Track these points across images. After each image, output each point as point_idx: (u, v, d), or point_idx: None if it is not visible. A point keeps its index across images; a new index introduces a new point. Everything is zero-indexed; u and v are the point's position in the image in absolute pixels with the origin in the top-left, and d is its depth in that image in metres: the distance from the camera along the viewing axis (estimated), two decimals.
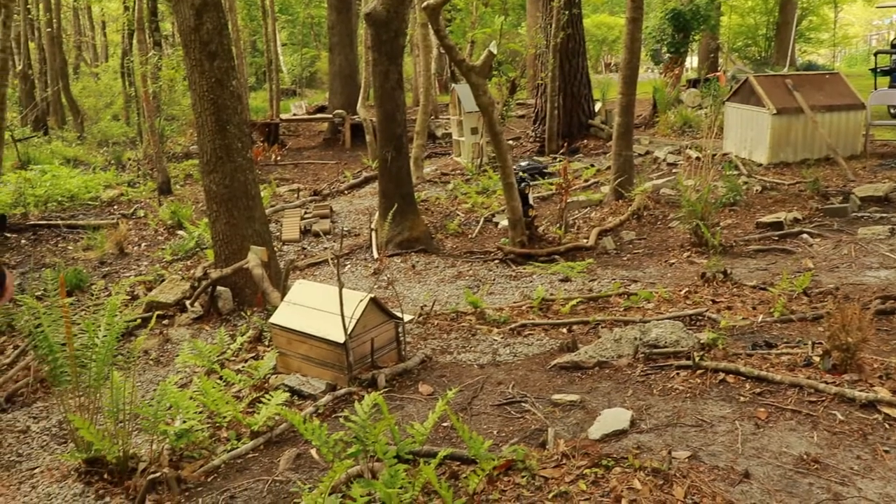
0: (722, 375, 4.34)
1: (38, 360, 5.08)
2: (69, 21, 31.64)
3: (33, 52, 22.77)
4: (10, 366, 5.64)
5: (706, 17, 18.42)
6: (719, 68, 21.84)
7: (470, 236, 9.62)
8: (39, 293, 7.32)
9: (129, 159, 16.95)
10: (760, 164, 11.28)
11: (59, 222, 11.09)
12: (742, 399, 4.04)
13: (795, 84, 11.42)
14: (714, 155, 9.31)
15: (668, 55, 18.98)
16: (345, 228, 10.39)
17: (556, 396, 4.27)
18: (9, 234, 10.36)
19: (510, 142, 15.53)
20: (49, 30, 21.13)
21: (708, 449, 3.50)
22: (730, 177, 9.88)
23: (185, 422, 3.93)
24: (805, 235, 8.06)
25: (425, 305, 6.52)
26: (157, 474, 3.57)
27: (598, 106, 16.70)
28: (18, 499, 3.65)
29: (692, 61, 25.45)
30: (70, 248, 9.98)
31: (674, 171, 11.81)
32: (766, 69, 17.53)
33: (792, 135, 11.18)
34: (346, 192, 13.21)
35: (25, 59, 21.44)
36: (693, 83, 18.01)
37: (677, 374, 4.47)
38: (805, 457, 3.35)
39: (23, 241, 10.18)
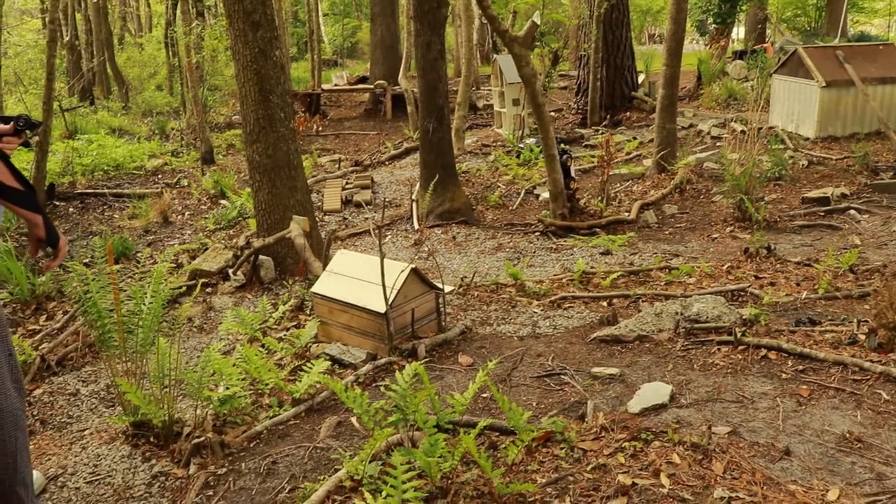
0: (764, 352, 4.29)
1: (86, 326, 5.21)
2: None
3: (80, 23, 23.04)
4: (59, 330, 5.78)
5: None
6: (767, 39, 21.36)
7: (511, 208, 9.60)
8: (87, 260, 7.47)
9: (173, 129, 17.14)
10: (807, 139, 11.07)
11: (106, 191, 11.28)
12: (784, 376, 4.00)
13: (847, 56, 11.15)
14: (760, 128, 9.14)
15: (713, 26, 18.62)
16: (385, 199, 10.43)
17: (595, 369, 4.26)
18: (57, 203, 10.57)
19: (552, 113, 15.40)
20: (95, 1, 21.32)
21: (748, 425, 3.47)
22: (775, 151, 9.71)
23: (228, 388, 4.00)
24: (852, 211, 7.91)
25: (465, 277, 6.54)
26: (202, 439, 3.64)
27: (641, 78, 16.47)
28: (70, 458, 3.76)
29: (738, 32, 24.95)
30: (116, 216, 10.15)
31: (718, 144, 11.65)
32: (816, 40, 17.10)
33: (841, 108, 10.94)
34: (386, 162, 13.24)
35: (72, 31, 21.70)
36: (739, 55, 17.65)
37: (718, 349, 4.44)
38: (848, 435, 3.31)
39: (70, 210, 10.38)
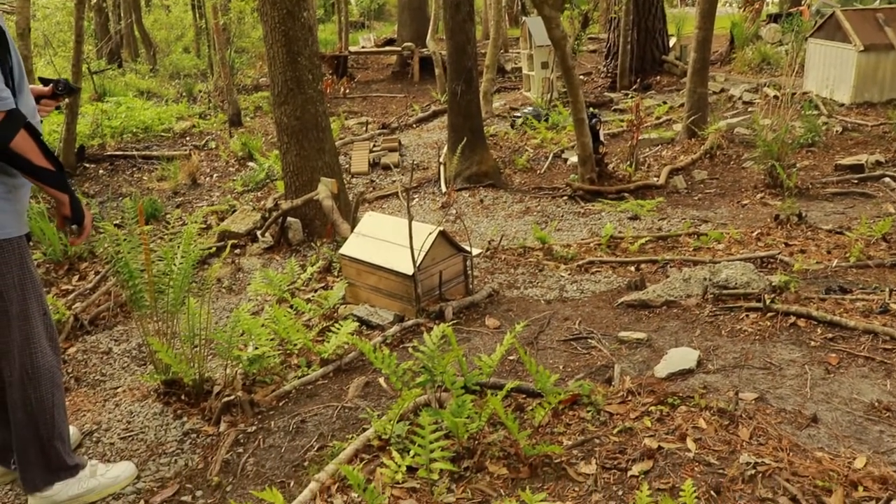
0: (793, 319, 4.27)
1: (118, 286, 5.29)
2: None
3: None
4: (91, 290, 5.86)
5: None
6: (803, 2, 20.92)
7: (538, 172, 9.55)
8: (117, 221, 7.55)
9: (200, 91, 17.18)
10: (842, 104, 10.87)
11: (135, 153, 11.36)
12: (813, 344, 3.98)
13: (887, 18, 10.87)
14: (794, 94, 8.99)
15: None
16: (413, 162, 10.41)
17: (622, 334, 4.26)
18: (87, 165, 10.67)
19: (581, 77, 15.24)
20: None
21: (775, 392, 3.46)
22: (809, 116, 9.55)
23: (257, 348, 4.05)
24: (887, 179, 7.78)
25: (493, 240, 6.53)
26: (232, 397, 3.69)
27: (672, 41, 16.22)
28: (104, 415, 3.83)
29: None
30: (145, 178, 10.23)
31: (749, 109, 11.48)
32: (856, 2, 16.72)
33: (879, 73, 10.70)
34: (414, 125, 13.20)
35: None
36: (774, 18, 17.31)
37: (746, 315, 4.42)
38: (877, 404, 3.29)
39: (100, 172, 10.47)
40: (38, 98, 3.12)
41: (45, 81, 3.14)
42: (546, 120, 11.76)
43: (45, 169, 2.71)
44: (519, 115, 12.10)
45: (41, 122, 3.15)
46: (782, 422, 3.16)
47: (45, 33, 18.28)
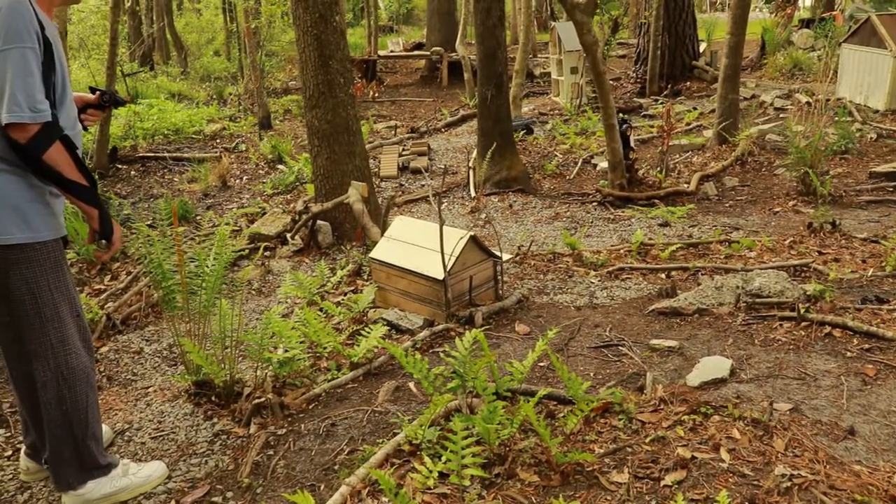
0: (828, 329, 4.21)
1: (151, 286, 5.33)
2: None
3: None
4: (123, 290, 5.92)
5: None
6: (836, 7, 20.70)
7: (568, 177, 9.52)
8: (149, 222, 7.62)
9: (230, 94, 17.31)
10: (877, 111, 10.72)
11: (166, 155, 11.46)
12: (849, 354, 3.92)
13: None
14: (827, 100, 8.88)
15: None
16: (442, 166, 10.42)
17: (653, 341, 4.23)
18: (120, 166, 10.77)
19: (610, 82, 15.18)
20: None
21: (810, 403, 3.41)
22: (842, 123, 9.43)
23: (287, 351, 4.06)
24: None
25: (522, 245, 6.51)
26: (262, 399, 3.70)
27: (702, 46, 16.10)
28: (135, 414, 3.86)
29: (805, 0, 24.21)
30: (176, 179, 10.32)
31: (781, 116, 11.36)
32: (891, 7, 16.50)
33: None
34: (442, 129, 13.21)
35: None
36: (806, 23, 17.14)
37: (780, 325, 4.37)
38: None
39: (132, 173, 10.57)
40: (86, 107, 3.16)
41: (93, 90, 3.18)
42: (531, 133, 11.73)
43: (75, 182, 2.72)
44: (521, 122, 12.03)
45: (86, 129, 3.20)
46: (818, 433, 3.12)
47: (80, 36, 18.51)
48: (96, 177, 9.57)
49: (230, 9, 20.59)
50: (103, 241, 2.89)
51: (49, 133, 2.61)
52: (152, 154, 11.49)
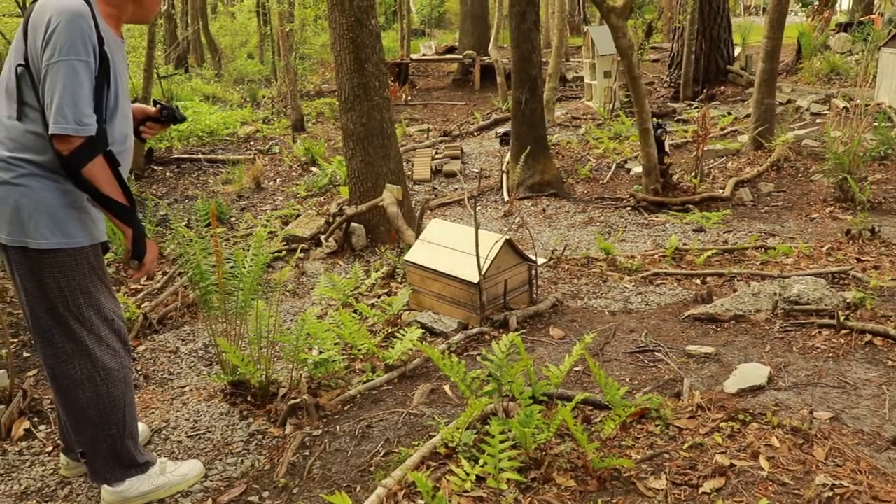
0: (868, 337, 4.15)
1: (189, 286, 5.38)
2: None
3: None
4: (160, 290, 5.98)
5: None
6: (875, 10, 20.41)
7: (601, 182, 9.47)
8: (184, 223, 7.70)
9: (264, 97, 17.44)
10: None
11: (200, 156, 11.58)
12: (890, 363, 3.86)
13: None
14: (866, 105, 8.76)
15: None
16: (475, 170, 10.41)
17: (690, 347, 4.20)
18: (155, 167, 10.90)
19: (644, 87, 15.10)
20: None
21: (851, 412, 3.37)
22: (882, 128, 9.29)
23: (322, 352, 4.08)
24: None
25: (556, 249, 6.49)
26: (298, 400, 3.72)
27: (737, 51, 15.96)
28: (172, 413, 3.90)
29: (842, 3, 23.94)
30: (210, 181, 10.41)
31: (818, 121, 11.23)
32: None
33: None
34: (475, 133, 13.21)
35: (170, 0, 22.24)
36: (844, 27, 16.92)
37: (819, 332, 4.31)
38: None
39: (167, 174, 10.69)
40: (145, 119, 3.21)
41: (155, 103, 3.23)
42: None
43: (112, 199, 2.74)
44: (505, 129, 11.99)
45: (144, 141, 3.25)
46: (860, 443, 3.07)
47: None
48: (132, 177, 9.74)
49: (264, 12, 20.76)
50: (135, 262, 2.92)
51: (92, 147, 2.65)
52: (187, 156, 11.62)
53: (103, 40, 2.68)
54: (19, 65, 2.66)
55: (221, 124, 13.65)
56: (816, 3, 18.01)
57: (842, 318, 4.29)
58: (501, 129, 12.23)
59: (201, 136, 13.08)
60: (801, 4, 21.43)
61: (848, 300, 4.63)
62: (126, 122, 2.91)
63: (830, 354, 4.02)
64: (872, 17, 17.42)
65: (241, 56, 24.40)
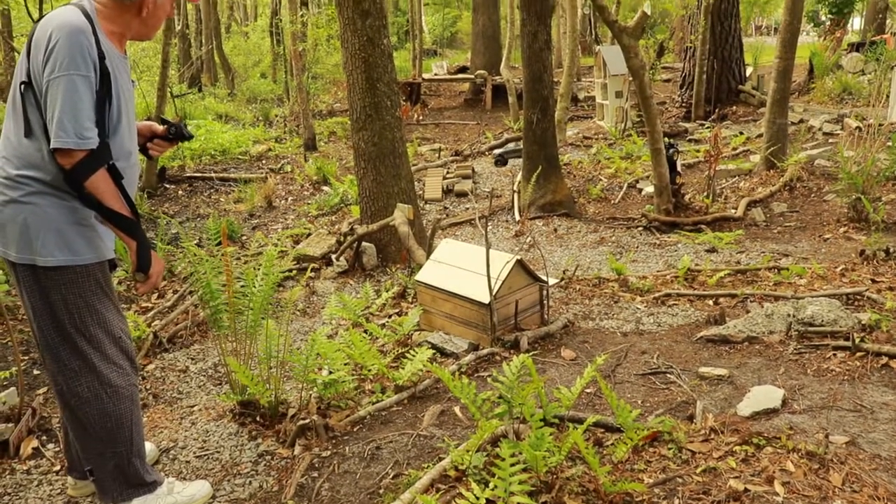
0: (885, 360, 4.09)
1: (199, 305, 5.37)
2: None
3: (190, 12, 23.79)
4: (170, 309, 5.98)
5: None
6: (887, 30, 20.38)
7: (613, 202, 9.45)
8: (196, 241, 7.71)
9: (276, 116, 17.53)
10: None
11: (213, 175, 11.62)
12: None
13: None
14: (879, 125, 8.70)
15: (829, 17, 17.87)
16: (486, 189, 10.41)
17: (702, 369, 4.15)
18: (168, 185, 10.95)
19: (656, 106, 15.09)
20: None
21: (868, 436, 3.31)
22: (895, 148, 9.24)
23: (331, 372, 4.06)
24: None
25: (567, 270, 6.46)
26: (307, 421, 3.69)
27: (749, 71, 15.95)
28: (180, 433, 3.88)
29: (854, 23, 23.92)
30: (222, 199, 10.44)
31: (830, 140, 11.18)
32: None
33: None
34: (486, 152, 13.22)
35: (184, 20, 22.46)
36: (856, 47, 16.89)
37: (834, 354, 4.26)
38: None
39: (180, 193, 10.73)
40: (153, 137, 3.22)
41: (163, 121, 3.24)
42: (504, 164, 11.67)
43: (115, 212, 2.75)
44: (501, 151, 12.00)
45: (151, 158, 3.26)
46: (877, 468, 3.02)
47: (132, 58, 18.93)
48: (145, 195, 9.78)
49: (277, 32, 20.92)
50: (141, 274, 2.91)
51: (94, 160, 2.66)
52: (199, 174, 11.66)
53: (104, 55, 2.69)
54: (23, 82, 2.69)
55: (234, 143, 13.71)
56: (828, 23, 17.99)
57: (857, 340, 4.24)
58: (497, 150, 12.22)
59: (214, 154, 13.14)
60: (812, 24, 21.45)
61: (863, 322, 4.58)
62: (131, 137, 2.92)
63: (846, 377, 3.97)
64: (885, 36, 17.39)
65: (254, 75, 24.58)
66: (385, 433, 3.67)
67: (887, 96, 11.54)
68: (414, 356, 4.18)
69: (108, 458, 2.95)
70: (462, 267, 4.88)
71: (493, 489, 2.77)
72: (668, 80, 19.47)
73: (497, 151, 12.05)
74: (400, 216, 6.36)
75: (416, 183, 10.21)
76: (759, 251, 7.01)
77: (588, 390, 3.98)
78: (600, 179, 10.44)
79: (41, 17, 2.73)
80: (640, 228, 8.10)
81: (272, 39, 22.75)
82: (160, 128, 3.22)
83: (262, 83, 22.62)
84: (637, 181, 10.07)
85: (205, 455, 3.65)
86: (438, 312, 4.96)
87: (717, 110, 14.29)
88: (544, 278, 4.98)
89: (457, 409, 3.80)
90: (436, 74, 20.64)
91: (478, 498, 2.76)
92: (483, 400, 3.34)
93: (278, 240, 7.76)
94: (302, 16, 15.61)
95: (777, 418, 3.52)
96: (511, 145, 12.49)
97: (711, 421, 3.45)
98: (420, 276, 5.07)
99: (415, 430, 3.65)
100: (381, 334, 4.88)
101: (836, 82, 14.87)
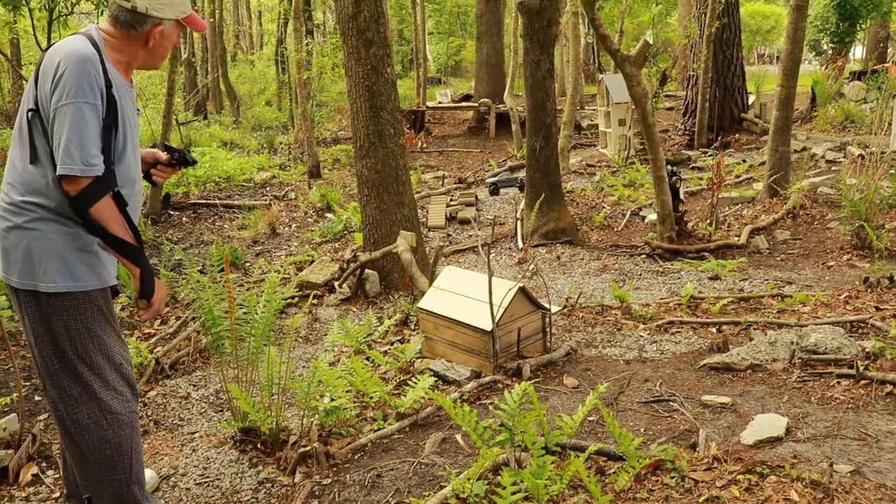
0: (889, 388, 4.07)
1: (201, 331, 5.37)
2: (229, 11, 33.22)
3: (196, 41, 24.01)
4: (172, 335, 5.98)
5: (877, 3, 17.29)
6: (889, 59, 20.48)
7: (616, 229, 9.46)
8: (199, 268, 7.73)
9: (281, 143, 17.62)
10: None
11: (217, 202, 11.67)
12: None
13: None
14: (882, 153, 8.72)
15: (830, 46, 17.98)
16: (489, 217, 10.43)
17: (706, 397, 4.13)
18: (172, 212, 10.99)
19: (658, 134, 15.14)
20: (211, 20, 22.19)
21: (873, 465, 3.29)
22: None
23: (333, 399, 4.04)
24: None
25: (570, 297, 6.46)
26: (308, 448, 3.68)
27: (751, 99, 16.02)
28: (181, 460, 3.86)
29: (855, 52, 24.05)
30: (226, 226, 10.47)
31: (833, 168, 11.21)
32: None
33: None
34: (489, 180, 13.26)
35: (190, 48, 22.64)
36: (858, 75, 16.97)
37: (838, 382, 4.24)
38: None
39: (184, 219, 10.77)
40: (156, 164, 3.24)
41: (166, 148, 3.26)
42: (522, 188, 11.72)
43: (119, 239, 2.76)
44: (494, 179, 12.05)
45: (155, 185, 3.28)
46: (883, 498, 2.99)
47: (138, 86, 19.08)
48: (149, 222, 9.81)
49: (282, 60, 21.07)
50: (144, 301, 2.91)
51: (100, 187, 2.67)
52: (204, 201, 11.71)
53: (111, 84, 2.72)
54: (30, 109, 2.71)
55: (238, 170, 13.77)
56: (830, 51, 18.09)
57: (861, 368, 4.22)
58: (491, 179, 12.28)
59: (218, 181, 13.21)
60: (814, 53, 21.56)
61: (867, 349, 4.56)
62: (135, 164, 2.94)
63: (850, 405, 3.95)
64: (886, 65, 17.48)
65: (259, 103, 24.73)
66: (386, 461, 3.66)
67: (889, 124, 11.57)
68: (416, 384, 4.17)
69: (107, 485, 2.93)
70: (464, 294, 4.88)
71: None
72: (671, 108, 19.56)
73: (490, 180, 12.11)
74: (403, 243, 6.37)
75: (419, 210, 10.23)
76: (762, 279, 7.00)
77: (590, 418, 3.96)
78: (603, 207, 10.46)
79: (49, 45, 2.76)
80: (644, 256, 8.09)
81: (277, 68, 22.91)
82: (164, 155, 3.25)
83: (266, 111, 22.76)
84: (640, 209, 10.09)
85: (205, 482, 3.63)
86: (441, 340, 4.96)
87: (719, 138, 14.34)
88: (547, 306, 4.98)
89: (458, 437, 3.78)
90: (440, 102, 20.76)
91: None
92: (485, 428, 3.33)
93: (281, 266, 7.77)
94: (307, 44, 15.74)
95: (781, 447, 3.49)
96: (504, 174, 12.60)
97: (714, 449, 3.43)
98: (422, 303, 5.07)
99: (416, 457, 3.64)
100: (384, 361, 4.87)
101: (839, 110, 14.93)
